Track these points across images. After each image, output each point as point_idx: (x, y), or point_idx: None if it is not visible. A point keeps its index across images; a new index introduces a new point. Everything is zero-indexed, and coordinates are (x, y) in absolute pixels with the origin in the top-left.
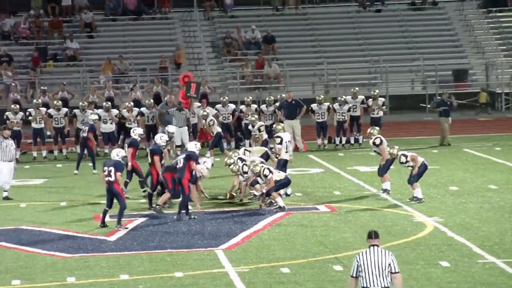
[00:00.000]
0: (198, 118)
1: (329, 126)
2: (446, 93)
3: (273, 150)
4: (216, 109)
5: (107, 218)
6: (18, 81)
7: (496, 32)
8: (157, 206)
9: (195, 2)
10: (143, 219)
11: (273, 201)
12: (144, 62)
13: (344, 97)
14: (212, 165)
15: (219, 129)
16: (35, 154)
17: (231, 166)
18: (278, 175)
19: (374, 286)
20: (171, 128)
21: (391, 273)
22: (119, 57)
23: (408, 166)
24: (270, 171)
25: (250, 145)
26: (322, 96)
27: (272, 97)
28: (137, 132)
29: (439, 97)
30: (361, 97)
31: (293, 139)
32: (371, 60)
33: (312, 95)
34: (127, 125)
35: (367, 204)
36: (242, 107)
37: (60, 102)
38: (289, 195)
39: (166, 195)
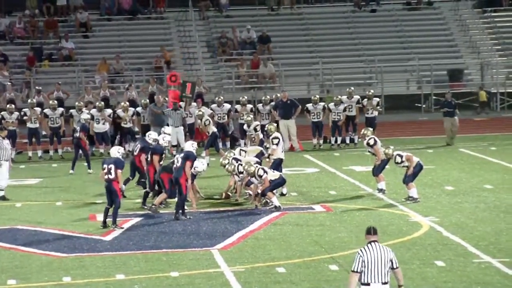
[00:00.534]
0: (194, 118)
1: (325, 126)
2: (450, 93)
3: (268, 150)
4: (211, 109)
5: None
6: (13, 81)
7: (491, 32)
8: (153, 206)
9: (190, 2)
10: (138, 219)
11: (268, 201)
12: (140, 62)
13: (339, 96)
14: (208, 164)
15: (215, 129)
16: (30, 154)
17: (226, 166)
18: (273, 175)
19: (375, 282)
20: (167, 129)
21: (392, 268)
22: (116, 57)
23: (403, 166)
24: (265, 171)
25: (245, 145)
26: (317, 96)
27: (268, 97)
28: (152, 137)
29: (442, 98)
30: (356, 97)
31: (288, 139)
32: (366, 60)
33: (307, 95)
34: (122, 125)
35: (362, 204)
36: (237, 106)
37: (55, 101)
38: (284, 195)
39: (163, 195)
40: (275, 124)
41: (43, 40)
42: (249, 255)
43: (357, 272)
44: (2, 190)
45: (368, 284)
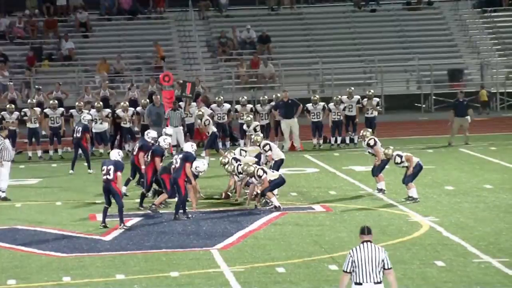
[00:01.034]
0: (194, 118)
1: (325, 126)
2: (462, 93)
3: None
4: (211, 109)
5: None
6: (13, 81)
7: (491, 32)
8: (153, 206)
9: (190, 2)
10: (138, 219)
11: (268, 201)
12: (139, 61)
13: (339, 96)
14: (208, 164)
15: (214, 129)
16: (30, 154)
17: (226, 166)
18: (272, 175)
19: (367, 282)
20: (168, 130)
21: (384, 269)
22: (116, 57)
23: (403, 167)
24: (264, 171)
25: (245, 145)
26: (317, 96)
27: (266, 97)
28: (151, 135)
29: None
30: (356, 96)
31: (289, 138)
32: (366, 60)
33: (307, 95)
34: (122, 124)
35: (362, 204)
36: (238, 106)
37: (55, 101)
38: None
39: (163, 195)
40: (261, 135)
41: (43, 40)
42: (248, 255)
43: (347, 272)
44: (3, 191)
45: (360, 284)
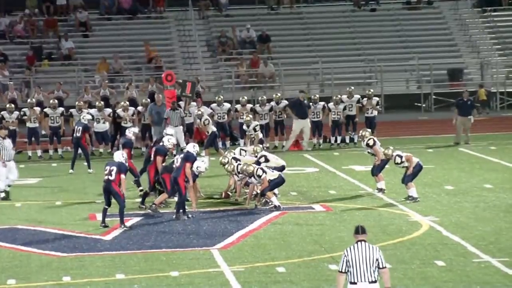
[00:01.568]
0: (193, 117)
1: (324, 125)
2: (467, 92)
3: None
4: (211, 108)
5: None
6: (13, 81)
7: (491, 32)
8: (153, 205)
9: (190, 1)
10: (138, 219)
11: (268, 201)
12: (139, 61)
13: (339, 96)
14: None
15: (214, 128)
16: (30, 153)
17: (226, 166)
18: (272, 175)
19: (362, 281)
20: (169, 130)
21: (379, 268)
22: (114, 56)
23: (403, 167)
24: (264, 171)
25: (245, 145)
26: (317, 96)
27: (265, 97)
28: (132, 130)
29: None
30: (356, 96)
31: (294, 138)
32: (366, 59)
33: (307, 95)
34: (122, 124)
35: (362, 204)
36: (237, 106)
37: (56, 100)
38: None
39: (164, 195)
40: (261, 145)
41: (42, 39)
42: (249, 254)
43: (342, 272)
44: (1, 192)
45: (355, 283)
